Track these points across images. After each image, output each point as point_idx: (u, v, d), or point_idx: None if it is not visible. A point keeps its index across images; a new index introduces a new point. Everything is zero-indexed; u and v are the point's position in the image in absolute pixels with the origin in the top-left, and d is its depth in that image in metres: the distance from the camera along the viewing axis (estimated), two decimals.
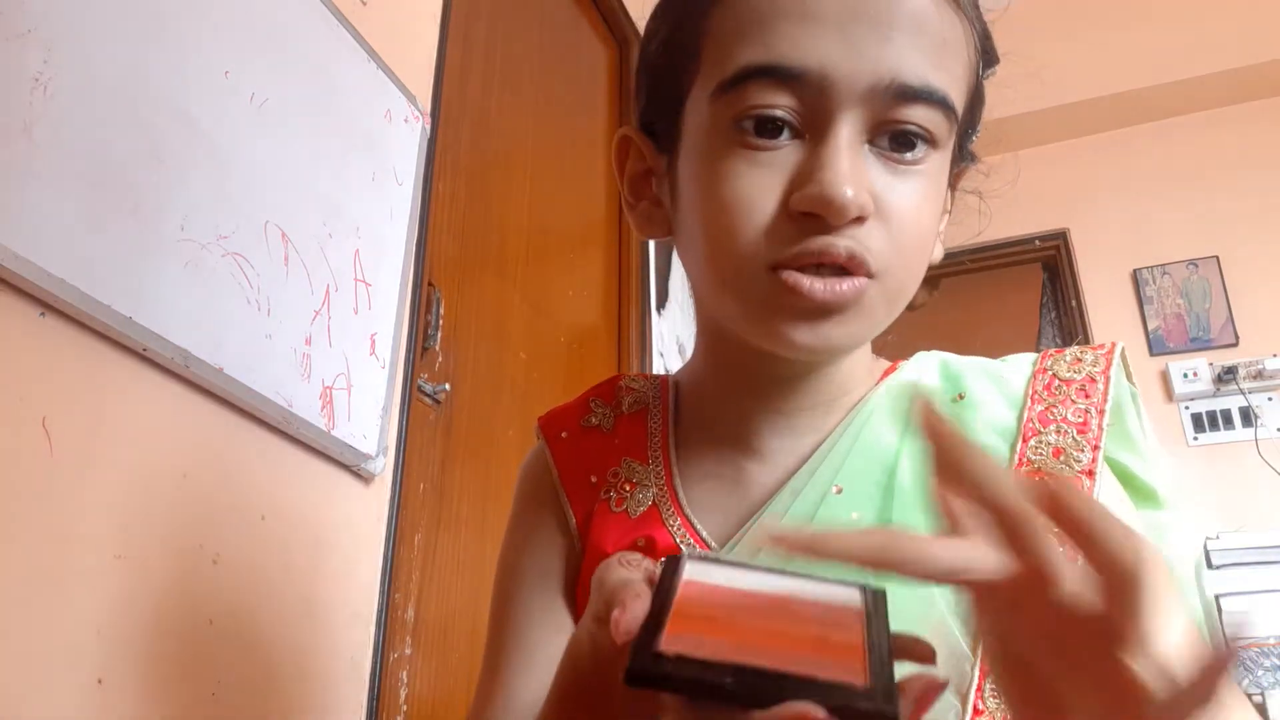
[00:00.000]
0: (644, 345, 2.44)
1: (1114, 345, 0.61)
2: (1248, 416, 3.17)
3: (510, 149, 2.02)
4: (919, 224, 0.53)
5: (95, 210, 0.93)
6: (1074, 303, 3.52)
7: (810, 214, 0.50)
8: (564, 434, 0.69)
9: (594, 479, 0.65)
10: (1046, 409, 0.58)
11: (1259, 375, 3.15)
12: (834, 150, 0.50)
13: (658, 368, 2.47)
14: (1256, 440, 3.11)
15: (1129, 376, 0.60)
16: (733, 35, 0.52)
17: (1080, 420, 0.57)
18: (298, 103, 1.24)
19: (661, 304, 2.58)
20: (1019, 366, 0.61)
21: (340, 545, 1.25)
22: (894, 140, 0.52)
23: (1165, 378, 3.29)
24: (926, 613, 0.52)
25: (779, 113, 0.51)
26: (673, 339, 2.62)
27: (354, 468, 1.28)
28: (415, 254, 1.47)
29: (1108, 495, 0.55)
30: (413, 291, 1.46)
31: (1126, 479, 0.58)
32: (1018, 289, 3.82)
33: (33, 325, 0.88)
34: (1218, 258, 3.38)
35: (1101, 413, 0.57)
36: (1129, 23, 3.45)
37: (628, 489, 0.63)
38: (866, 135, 0.52)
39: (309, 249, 1.22)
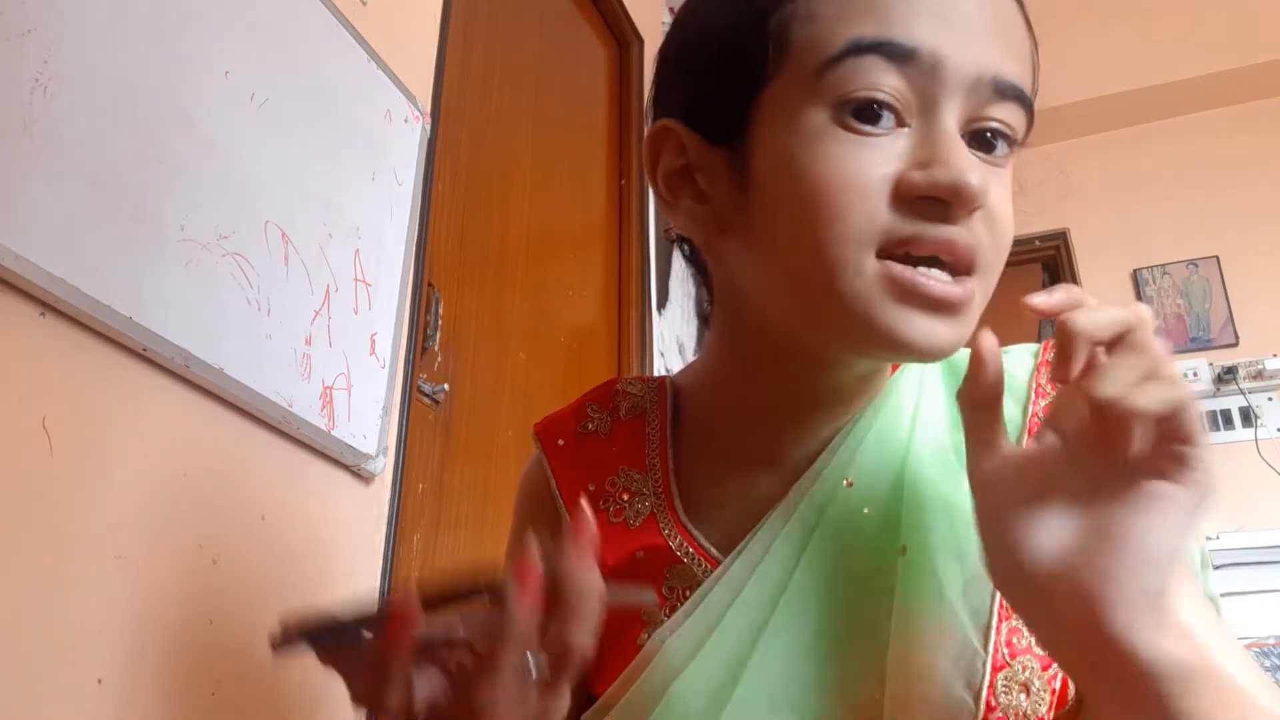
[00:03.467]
0: (644, 345, 2.44)
1: None
2: (1248, 416, 3.17)
3: (510, 149, 2.02)
4: (1010, 223, 0.52)
5: (95, 210, 0.93)
6: None
7: (927, 200, 0.48)
8: (561, 441, 0.68)
9: (591, 487, 0.64)
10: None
11: (1259, 375, 3.15)
12: (951, 137, 0.49)
13: (658, 368, 2.47)
14: (1256, 440, 3.11)
15: None
16: (834, 14, 0.49)
17: None
18: (298, 103, 1.24)
19: (661, 304, 2.57)
20: (1021, 359, 0.60)
21: (340, 545, 1.25)
22: (977, 138, 0.51)
23: None
24: (937, 608, 0.52)
25: (884, 95, 0.48)
26: (673, 339, 2.62)
27: (354, 468, 1.28)
28: (415, 254, 1.47)
29: None
30: (412, 291, 1.46)
31: None
32: (1017, 289, 3.78)
33: (33, 325, 0.88)
34: (1218, 258, 3.38)
35: None
36: (1128, 23, 3.45)
37: (625, 498, 0.62)
38: (960, 129, 0.50)
39: (309, 249, 1.22)
